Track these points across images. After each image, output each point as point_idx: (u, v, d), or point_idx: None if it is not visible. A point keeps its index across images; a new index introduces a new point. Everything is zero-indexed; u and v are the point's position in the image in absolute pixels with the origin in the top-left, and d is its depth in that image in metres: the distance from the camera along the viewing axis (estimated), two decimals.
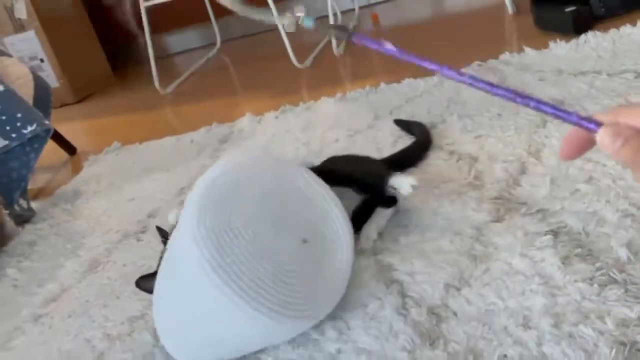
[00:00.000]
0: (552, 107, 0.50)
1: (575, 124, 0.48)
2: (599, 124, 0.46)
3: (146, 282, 1.02)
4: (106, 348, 1.05)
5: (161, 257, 0.99)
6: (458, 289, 0.93)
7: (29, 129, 1.55)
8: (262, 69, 2.62)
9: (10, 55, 1.72)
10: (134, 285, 1.20)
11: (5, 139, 1.53)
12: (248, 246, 0.85)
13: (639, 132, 0.44)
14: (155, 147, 1.96)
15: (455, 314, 0.89)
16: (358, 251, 1.04)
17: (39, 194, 1.92)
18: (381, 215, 1.11)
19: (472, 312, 0.88)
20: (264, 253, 0.86)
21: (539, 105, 0.51)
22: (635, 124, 0.44)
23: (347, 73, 2.19)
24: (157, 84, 2.58)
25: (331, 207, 0.97)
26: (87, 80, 3.09)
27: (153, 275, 0.98)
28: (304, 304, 0.87)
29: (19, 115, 1.53)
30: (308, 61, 2.38)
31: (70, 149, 2.20)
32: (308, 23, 0.61)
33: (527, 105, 0.52)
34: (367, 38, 0.61)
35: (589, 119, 0.47)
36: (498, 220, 1.06)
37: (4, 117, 1.51)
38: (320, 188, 0.98)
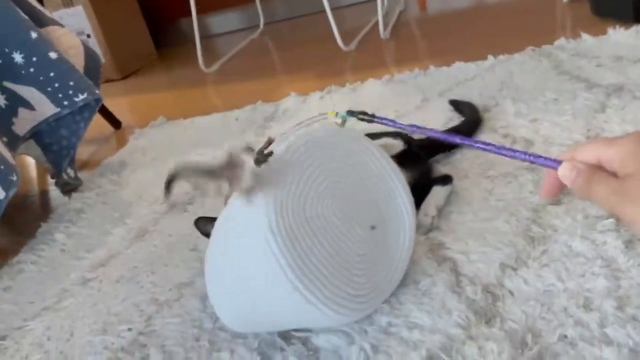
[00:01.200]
0: (520, 152, 0.62)
1: (542, 164, 0.59)
2: (559, 162, 0.57)
3: (204, 224, 1.00)
4: (154, 312, 1.06)
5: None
6: (514, 269, 0.91)
7: (81, 97, 1.56)
8: (306, 51, 2.61)
9: (62, 26, 1.73)
10: (181, 254, 1.22)
11: (57, 106, 1.55)
12: (322, 239, 0.82)
13: (591, 166, 0.54)
14: (200, 123, 1.96)
15: (511, 293, 0.87)
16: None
17: (84, 165, 1.94)
18: (439, 193, 1.09)
19: (530, 292, 0.86)
20: (337, 246, 0.83)
21: (509, 152, 0.63)
22: (587, 159, 0.55)
23: (393, 57, 2.17)
24: (201, 62, 2.59)
25: (397, 187, 0.93)
26: (131, 57, 3.12)
27: (213, 219, 0.94)
28: (369, 294, 0.85)
29: (71, 83, 1.54)
30: (353, 44, 2.36)
31: (115, 122, 2.22)
32: (344, 116, 0.82)
33: (500, 153, 0.65)
34: (388, 119, 0.80)
35: (553, 159, 0.58)
36: (556, 203, 1.03)
37: (56, 85, 1.53)
38: (387, 165, 0.94)
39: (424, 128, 0.74)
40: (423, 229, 1.05)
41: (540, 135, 1.25)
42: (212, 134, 1.84)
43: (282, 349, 0.89)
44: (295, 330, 0.91)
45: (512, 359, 0.76)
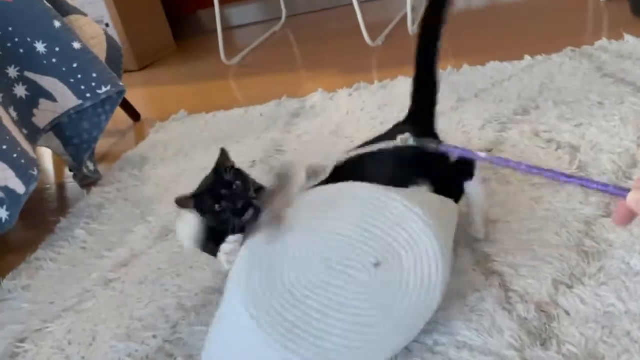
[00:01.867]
0: (594, 182, 0.63)
1: (612, 193, 0.60)
2: (627, 190, 0.57)
3: (185, 202, 0.95)
4: (180, 318, 1.01)
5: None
6: (569, 287, 0.85)
7: (104, 89, 1.51)
8: (330, 46, 2.54)
9: (84, 14, 1.68)
10: (206, 256, 1.16)
11: (79, 98, 1.50)
12: (313, 305, 0.78)
13: None
14: (222, 117, 1.91)
15: (567, 313, 0.81)
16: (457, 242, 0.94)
17: (103, 159, 1.90)
18: (479, 198, 0.99)
19: (588, 312, 0.80)
20: (330, 307, 0.77)
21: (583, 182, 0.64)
22: None
23: None
24: (222, 54, 2.53)
25: (407, 210, 0.85)
26: (150, 47, 3.06)
27: (191, 197, 0.93)
28: (379, 340, 0.78)
29: (94, 75, 1.50)
30: (380, 39, 2.30)
31: (134, 115, 2.17)
32: (411, 141, 0.81)
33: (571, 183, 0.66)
34: (457, 147, 0.77)
35: (622, 188, 0.59)
36: (609, 215, 0.97)
37: (79, 76, 1.48)
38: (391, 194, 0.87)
39: (505, 159, 0.70)
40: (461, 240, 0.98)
41: (587, 141, 1.18)
42: (235, 129, 1.78)
43: None
44: None
45: None
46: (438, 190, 0.93)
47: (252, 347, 0.78)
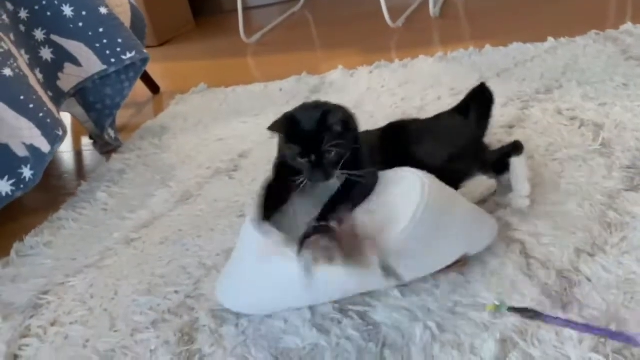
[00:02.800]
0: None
1: None
2: None
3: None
4: (202, 276, 1.03)
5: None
6: (591, 255, 0.85)
7: (128, 55, 1.52)
8: (350, 27, 2.54)
9: None
10: (228, 220, 1.18)
11: (104, 63, 1.52)
12: None
13: None
14: (242, 91, 1.92)
15: (589, 279, 0.82)
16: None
17: (122, 129, 1.91)
18: (521, 166, 1.00)
19: (610, 279, 0.81)
20: None
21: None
22: None
23: (444, 35, 2.10)
24: (242, 32, 2.53)
25: (412, 174, 0.89)
26: (169, 24, 3.07)
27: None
28: None
29: (119, 40, 1.51)
30: (400, 21, 2.30)
31: (154, 87, 2.18)
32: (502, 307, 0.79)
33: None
34: (559, 319, 0.75)
35: None
36: (633, 189, 0.97)
37: (105, 41, 1.49)
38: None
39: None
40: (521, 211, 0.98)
41: (611, 120, 1.18)
42: (256, 103, 1.79)
43: (339, 322, 0.85)
44: (352, 304, 0.87)
45: (593, 348, 0.71)
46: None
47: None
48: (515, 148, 1.02)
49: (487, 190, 1.02)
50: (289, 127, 0.90)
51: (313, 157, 0.88)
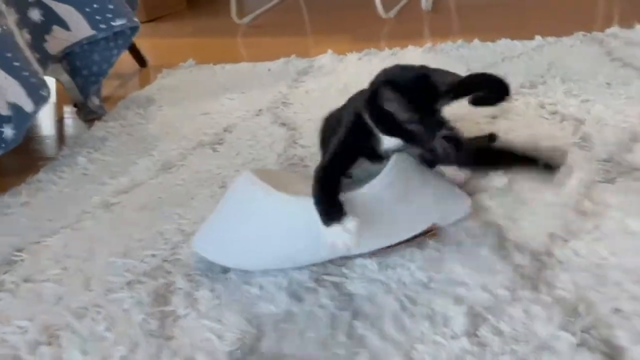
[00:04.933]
0: None
1: None
2: None
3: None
4: (180, 241, 1.02)
5: None
6: (565, 240, 0.87)
7: (118, 22, 1.51)
8: (341, 15, 2.55)
9: None
10: (210, 189, 1.18)
11: (93, 28, 1.50)
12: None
13: None
14: (230, 69, 1.91)
15: (561, 262, 0.83)
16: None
17: (107, 99, 1.89)
18: None
19: (581, 263, 0.83)
20: None
21: None
22: None
23: (433, 28, 2.11)
24: (233, 12, 2.53)
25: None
26: (160, 1, 3.05)
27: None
28: None
29: (110, 6, 1.50)
30: (393, 12, 2.31)
31: (141, 61, 2.17)
32: None
33: None
34: None
35: None
36: (609, 181, 1.00)
37: (95, 6, 1.48)
38: None
39: None
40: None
41: (592, 116, 1.21)
42: (243, 81, 1.79)
43: (314, 290, 0.86)
44: (328, 274, 0.88)
45: (562, 326, 0.72)
46: None
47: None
48: (491, 138, 1.05)
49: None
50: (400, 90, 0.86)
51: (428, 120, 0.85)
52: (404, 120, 0.86)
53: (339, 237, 0.80)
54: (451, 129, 0.91)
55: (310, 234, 0.84)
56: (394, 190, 0.85)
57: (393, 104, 0.86)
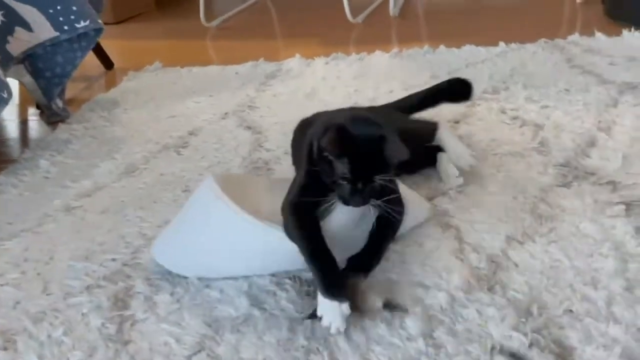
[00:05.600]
0: None
1: None
2: None
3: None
4: (141, 245, 1.02)
5: None
6: (521, 243, 0.89)
7: (82, 24, 1.50)
8: (310, 19, 2.56)
9: None
10: (173, 193, 1.18)
11: (56, 29, 1.48)
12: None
13: None
14: (198, 73, 1.91)
15: (516, 265, 0.85)
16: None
17: (71, 102, 1.86)
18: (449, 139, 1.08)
19: (535, 265, 0.84)
20: None
21: None
22: None
23: (400, 34, 2.14)
24: (202, 15, 2.52)
25: None
26: (129, 3, 3.02)
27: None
28: None
29: (74, 8, 1.48)
30: (361, 17, 2.32)
31: (107, 63, 2.14)
32: None
33: None
34: None
35: None
36: (565, 185, 1.02)
37: (59, 7, 1.46)
38: None
39: None
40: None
41: (551, 121, 1.24)
42: (211, 84, 1.78)
43: (274, 294, 0.86)
44: (289, 278, 0.89)
45: (515, 327, 0.74)
46: None
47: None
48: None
49: None
50: (344, 144, 0.79)
51: (360, 184, 0.79)
52: (337, 173, 0.80)
53: (332, 313, 0.77)
54: (388, 201, 0.82)
55: (267, 256, 0.87)
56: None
57: (334, 153, 0.80)
